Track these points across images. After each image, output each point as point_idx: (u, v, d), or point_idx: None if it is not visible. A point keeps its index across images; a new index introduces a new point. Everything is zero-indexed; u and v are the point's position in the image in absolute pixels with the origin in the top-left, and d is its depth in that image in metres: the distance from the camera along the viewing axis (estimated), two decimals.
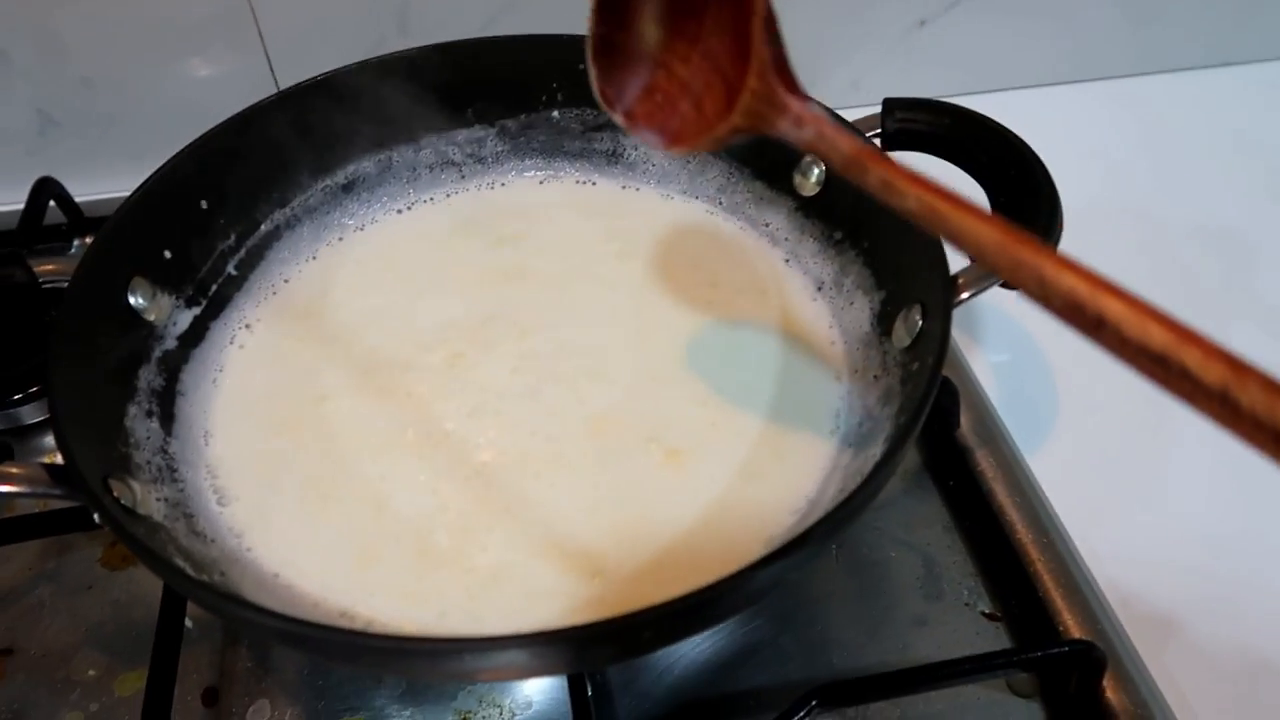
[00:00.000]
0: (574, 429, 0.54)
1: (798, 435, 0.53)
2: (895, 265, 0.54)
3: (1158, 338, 0.25)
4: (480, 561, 0.49)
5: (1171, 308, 0.75)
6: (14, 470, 0.42)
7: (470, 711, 0.52)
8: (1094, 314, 0.26)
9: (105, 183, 0.78)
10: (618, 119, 0.42)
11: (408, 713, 0.52)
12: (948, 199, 0.31)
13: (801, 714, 0.46)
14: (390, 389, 0.56)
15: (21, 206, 0.74)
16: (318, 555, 0.49)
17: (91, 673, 0.54)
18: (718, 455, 0.52)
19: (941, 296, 0.46)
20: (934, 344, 0.45)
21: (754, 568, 0.36)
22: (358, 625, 0.44)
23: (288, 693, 0.53)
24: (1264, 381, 0.23)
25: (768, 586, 0.42)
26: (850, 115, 0.58)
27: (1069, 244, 0.51)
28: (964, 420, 0.64)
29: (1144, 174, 0.86)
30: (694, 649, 0.54)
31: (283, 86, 0.80)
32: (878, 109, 0.59)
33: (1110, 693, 0.51)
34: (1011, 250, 0.28)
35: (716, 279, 0.62)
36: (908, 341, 0.50)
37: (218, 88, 0.81)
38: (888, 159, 0.34)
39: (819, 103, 0.37)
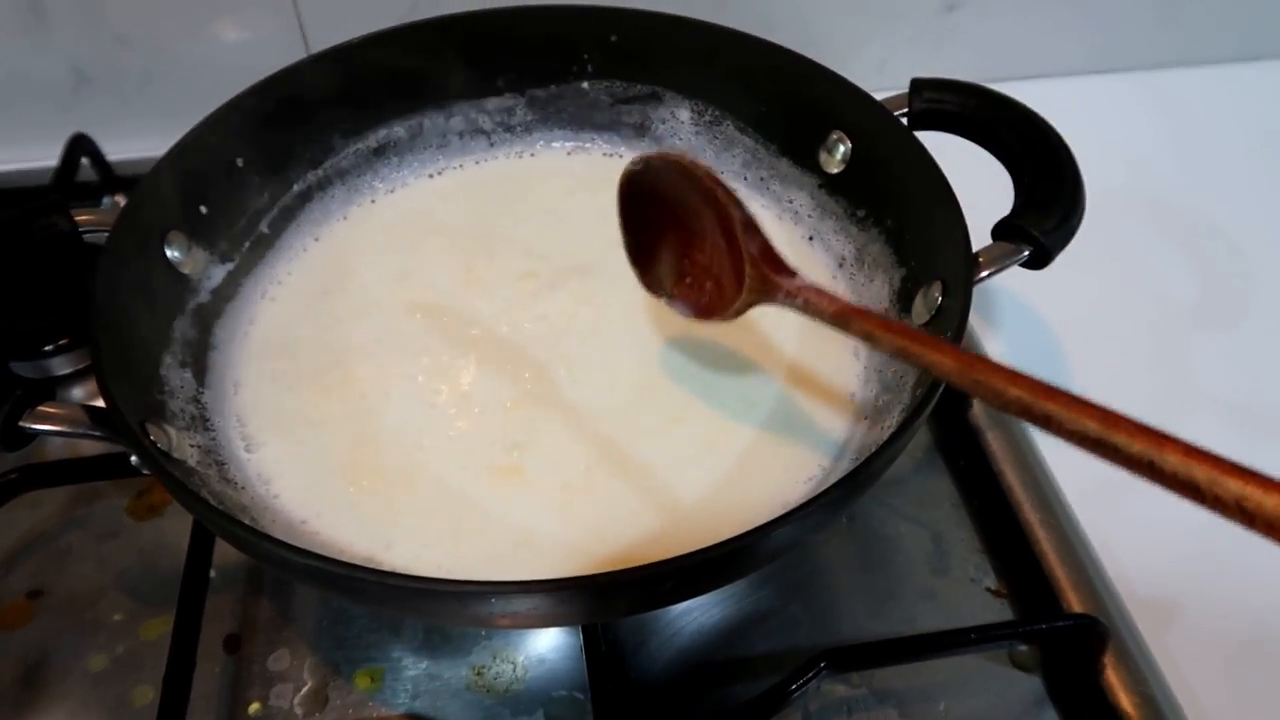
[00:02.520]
0: (596, 395, 0.55)
1: (814, 407, 0.54)
2: (917, 242, 0.55)
3: (1092, 427, 0.32)
4: (500, 515, 0.50)
5: (1187, 300, 0.76)
6: (55, 410, 0.43)
7: (484, 666, 0.54)
8: (1040, 413, 0.33)
9: (136, 142, 0.79)
10: (661, 300, 0.52)
11: (424, 664, 0.54)
12: (916, 339, 0.39)
13: (810, 676, 0.48)
14: (413, 342, 0.58)
15: (54, 163, 0.75)
16: (342, 503, 0.50)
17: (117, 617, 0.56)
18: (732, 425, 0.53)
19: (963, 273, 0.47)
20: (954, 319, 0.46)
21: (772, 525, 0.37)
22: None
23: (307, 642, 0.55)
24: (1183, 448, 0.30)
25: (785, 545, 0.43)
26: (877, 96, 0.59)
27: (1089, 229, 0.52)
28: (976, 401, 0.65)
29: (1168, 165, 0.86)
30: (704, 613, 0.56)
31: (313, 49, 0.81)
32: (905, 90, 0.59)
33: (1111, 669, 0.52)
34: (970, 372, 0.36)
35: None
36: (927, 318, 0.51)
37: (249, 50, 0.82)
38: (865, 312, 0.43)
39: (801, 278, 0.45)
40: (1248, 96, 0.94)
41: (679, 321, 0.55)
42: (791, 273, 0.45)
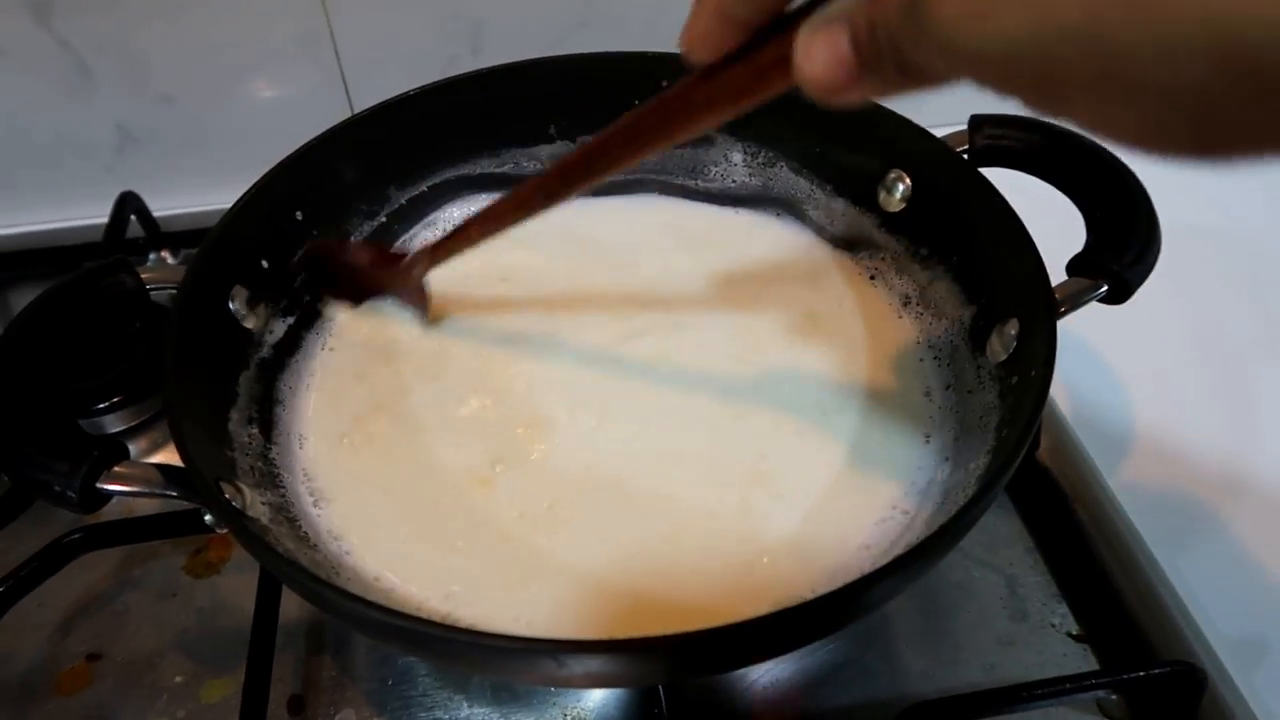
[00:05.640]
0: (667, 444, 0.54)
1: (886, 450, 0.53)
2: (987, 279, 0.54)
3: None
4: (568, 566, 0.48)
5: (1249, 334, 0.74)
6: (131, 471, 0.42)
7: None
8: None
9: (181, 198, 0.80)
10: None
11: None
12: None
13: None
14: (473, 386, 0.57)
15: (98, 220, 0.75)
16: (413, 557, 0.49)
17: (178, 679, 0.55)
18: (803, 473, 0.52)
19: (1043, 310, 0.46)
20: (1038, 356, 0.45)
21: (878, 575, 0.36)
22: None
23: (373, 702, 0.53)
24: None
25: (887, 597, 0.42)
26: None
27: (1165, 261, 0.51)
28: (1043, 440, 0.63)
29: (1221, 197, 0.85)
30: (777, 666, 0.54)
31: (357, 106, 0.82)
32: (956, 126, 0.59)
33: (1204, 717, 0.50)
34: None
35: (800, 298, 0.61)
36: (1003, 356, 0.50)
37: (294, 107, 0.82)
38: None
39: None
40: None
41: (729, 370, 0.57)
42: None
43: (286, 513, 0.49)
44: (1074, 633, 0.56)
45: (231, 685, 0.53)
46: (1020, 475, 0.62)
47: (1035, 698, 0.49)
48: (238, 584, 0.58)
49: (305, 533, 0.49)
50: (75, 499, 0.40)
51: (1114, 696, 0.52)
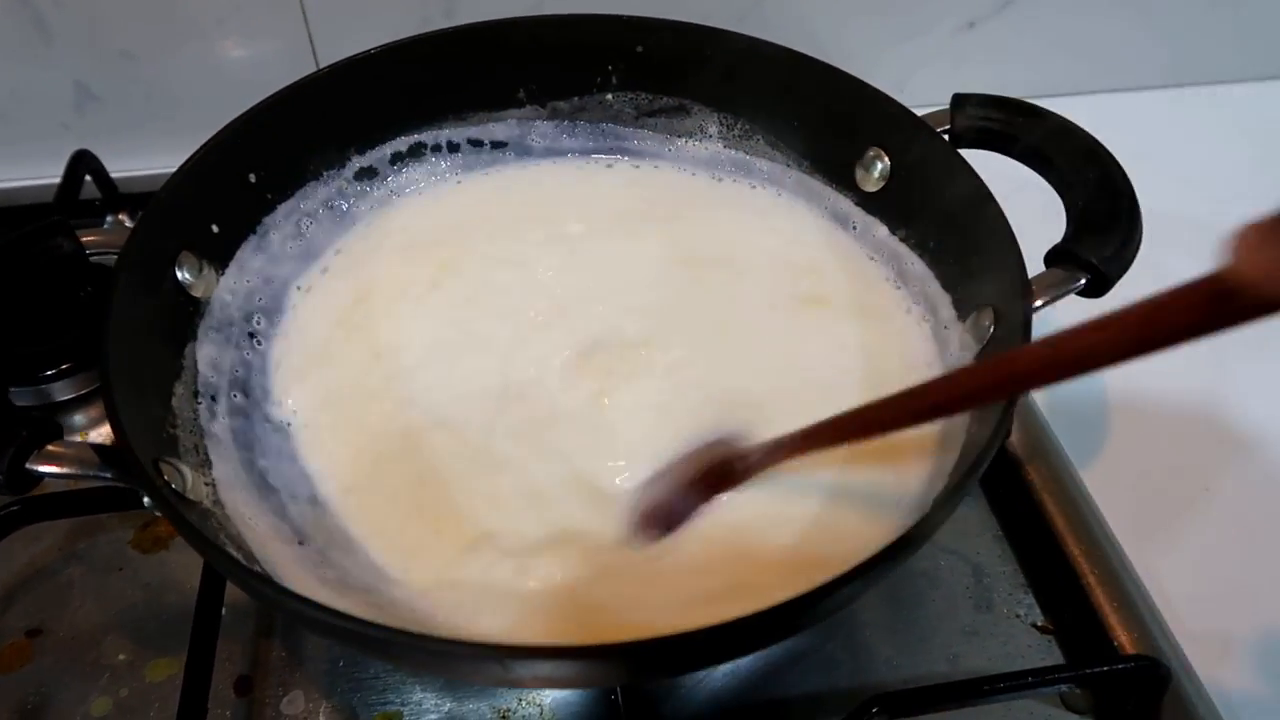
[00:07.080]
0: (644, 423, 0.52)
1: None
2: (965, 267, 0.52)
3: None
4: (536, 566, 0.47)
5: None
6: (64, 451, 0.40)
7: (509, 709, 0.51)
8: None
9: (141, 159, 0.77)
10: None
11: (446, 707, 0.51)
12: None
13: None
14: (433, 358, 0.56)
15: (54, 180, 0.72)
16: (352, 541, 0.47)
17: (121, 657, 0.53)
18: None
19: (1020, 302, 0.45)
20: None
21: (846, 578, 0.34)
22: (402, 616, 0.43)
23: (322, 685, 0.52)
24: None
25: (849, 600, 0.41)
26: None
27: (1145, 253, 0.50)
28: (1015, 431, 0.62)
29: (1189, 184, 0.84)
30: None
31: (323, 65, 0.79)
32: (931, 107, 0.57)
33: (1167, 711, 0.50)
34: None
35: (768, 278, 0.60)
36: (977, 347, 0.49)
37: (258, 66, 0.79)
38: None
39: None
40: (1258, 114, 0.92)
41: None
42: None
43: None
44: (1039, 624, 0.55)
45: (177, 664, 0.52)
46: (991, 465, 0.61)
47: (998, 691, 0.49)
48: (186, 560, 0.57)
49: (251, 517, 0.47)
50: (2, 481, 0.38)
51: (1078, 690, 0.52)
